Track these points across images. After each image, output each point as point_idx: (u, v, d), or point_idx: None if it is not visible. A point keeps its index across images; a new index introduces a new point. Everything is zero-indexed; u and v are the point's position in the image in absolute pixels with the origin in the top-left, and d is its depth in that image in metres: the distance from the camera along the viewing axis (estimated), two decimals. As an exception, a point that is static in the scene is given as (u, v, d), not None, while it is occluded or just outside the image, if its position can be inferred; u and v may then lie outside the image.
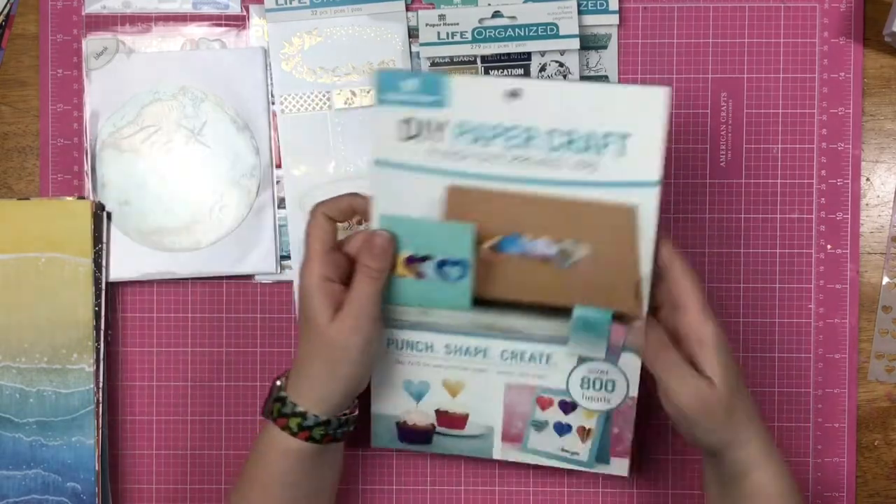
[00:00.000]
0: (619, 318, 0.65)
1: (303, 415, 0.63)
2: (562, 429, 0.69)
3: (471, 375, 0.68)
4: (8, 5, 0.76)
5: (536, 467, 0.74)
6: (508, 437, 0.69)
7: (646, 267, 0.63)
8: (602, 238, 0.64)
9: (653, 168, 0.61)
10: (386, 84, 0.63)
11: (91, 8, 0.76)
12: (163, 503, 0.76)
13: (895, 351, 0.75)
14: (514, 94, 0.62)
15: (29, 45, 0.76)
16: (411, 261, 0.65)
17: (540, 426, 0.69)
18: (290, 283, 0.75)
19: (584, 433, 0.68)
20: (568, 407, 0.68)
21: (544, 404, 0.68)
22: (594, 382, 0.67)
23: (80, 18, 0.76)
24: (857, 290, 0.75)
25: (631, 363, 0.66)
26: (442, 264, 0.65)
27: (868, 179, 0.75)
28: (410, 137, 0.63)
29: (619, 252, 0.63)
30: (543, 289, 0.65)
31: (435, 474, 0.76)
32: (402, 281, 0.66)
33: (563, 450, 0.69)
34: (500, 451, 0.70)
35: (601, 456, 0.69)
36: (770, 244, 0.75)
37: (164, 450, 0.76)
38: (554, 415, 0.68)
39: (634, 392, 0.67)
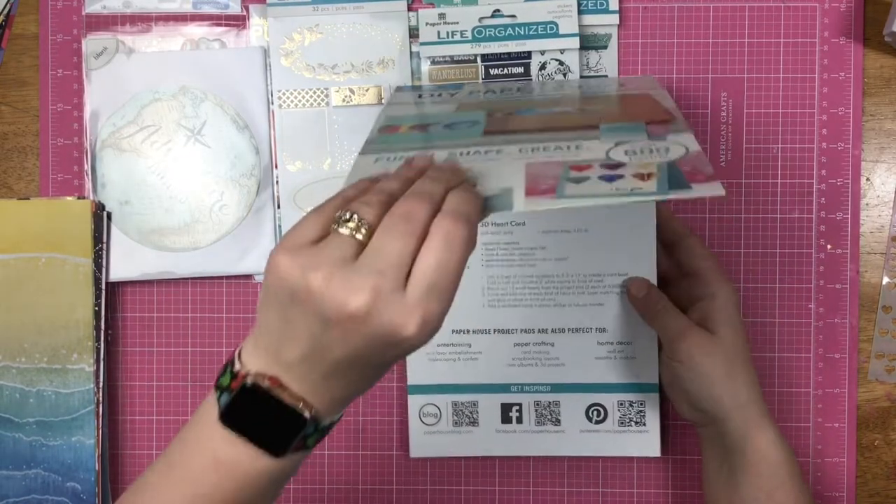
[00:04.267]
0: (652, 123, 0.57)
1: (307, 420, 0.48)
2: (611, 178, 0.52)
3: (482, 163, 0.54)
4: (8, 5, 0.76)
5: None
6: (536, 192, 0.51)
7: (670, 101, 0.60)
8: (623, 107, 0.63)
9: None
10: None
11: (91, 8, 0.76)
12: (162, 503, 0.76)
13: (895, 351, 0.75)
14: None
15: (29, 45, 0.76)
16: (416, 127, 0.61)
17: (579, 179, 0.52)
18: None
19: (643, 177, 0.51)
20: (612, 166, 0.53)
21: (581, 168, 0.53)
22: (642, 150, 0.54)
23: (80, 18, 0.76)
24: (857, 290, 0.75)
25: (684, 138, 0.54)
26: (451, 125, 0.60)
27: (868, 179, 0.75)
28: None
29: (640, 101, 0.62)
30: (566, 120, 0.60)
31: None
32: (402, 135, 0.60)
33: (617, 189, 0.51)
34: (523, 202, 0.50)
35: (675, 182, 0.50)
36: (770, 244, 0.75)
37: (163, 450, 0.76)
38: (596, 172, 0.52)
39: (696, 146, 0.53)
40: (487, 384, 0.73)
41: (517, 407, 0.73)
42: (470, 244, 0.46)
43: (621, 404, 0.72)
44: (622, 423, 0.72)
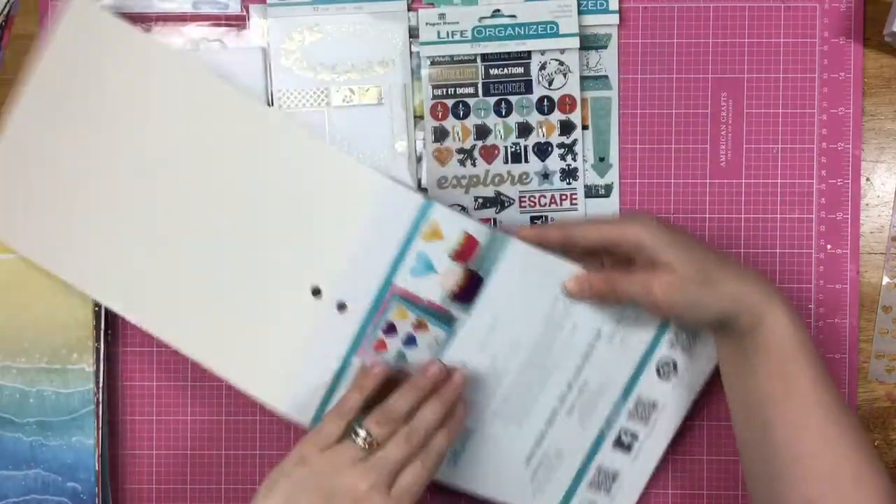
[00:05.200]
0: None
1: None
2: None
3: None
4: (8, 5, 0.76)
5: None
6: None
7: None
8: None
9: None
10: None
11: (91, 8, 0.76)
12: (163, 503, 0.76)
13: (895, 351, 0.75)
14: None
15: (29, 45, 0.76)
16: None
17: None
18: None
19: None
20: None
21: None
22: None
23: (81, 18, 0.76)
24: (857, 290, 0.75)
25: None
26: None
27: (868, 179, 0.75)
28: None
29: None
30: None
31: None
32: None
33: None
34: None
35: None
36: (770, 244, 0.75)
37: (164, 450, 0.76)
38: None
39: None
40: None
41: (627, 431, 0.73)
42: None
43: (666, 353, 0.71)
44: (660, 374, 0.72)
